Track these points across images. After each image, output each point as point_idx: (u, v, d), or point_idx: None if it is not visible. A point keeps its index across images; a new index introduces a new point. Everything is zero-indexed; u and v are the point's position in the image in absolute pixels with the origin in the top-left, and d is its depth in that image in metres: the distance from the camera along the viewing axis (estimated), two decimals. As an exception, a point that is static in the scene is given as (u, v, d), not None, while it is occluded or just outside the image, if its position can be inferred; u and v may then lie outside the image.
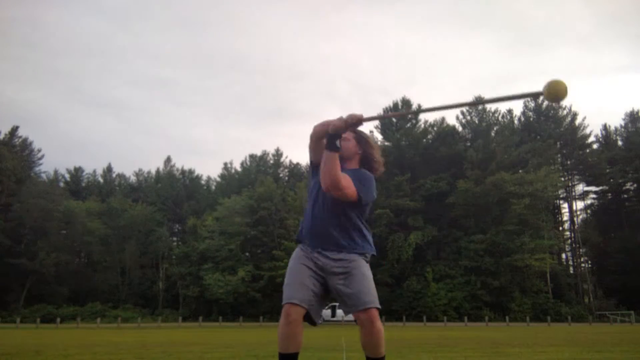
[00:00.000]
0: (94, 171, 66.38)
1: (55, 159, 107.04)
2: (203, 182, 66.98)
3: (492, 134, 49.72)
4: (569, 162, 53.08)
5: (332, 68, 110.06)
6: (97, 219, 50.57)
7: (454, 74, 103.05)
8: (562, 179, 50.65)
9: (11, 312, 42.60)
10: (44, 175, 57.78)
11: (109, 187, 63.80)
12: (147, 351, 7.47)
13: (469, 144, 49.77)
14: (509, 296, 41.16)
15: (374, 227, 44.08)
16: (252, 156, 64.30)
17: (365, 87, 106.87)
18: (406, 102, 52.36)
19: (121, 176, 67.18)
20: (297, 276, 2.47)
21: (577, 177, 53.29)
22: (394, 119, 52.42)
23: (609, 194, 53.43)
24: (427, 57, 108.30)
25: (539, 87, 1.94)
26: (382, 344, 2.39)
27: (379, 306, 2.41)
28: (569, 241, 52.82)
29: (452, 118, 61.46)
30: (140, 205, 54.05)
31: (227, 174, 64.72)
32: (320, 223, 2.50)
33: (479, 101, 2.50)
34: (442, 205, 46.06)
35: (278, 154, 63.69)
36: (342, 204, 2.46)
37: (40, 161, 58.49)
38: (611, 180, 50.92)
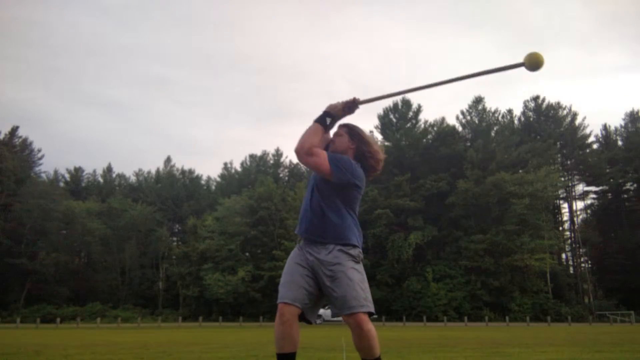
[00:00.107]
0: (94, 171, 66.54)
1: (55, 159, 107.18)
2: (203, 182, 67.04)
3: (492, 134, 49.74)
4: (569, 162, 53.09)
5: (332, 68, 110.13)
6: (97, 219, 50.58)
7: (454, 74, 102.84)
8: (562, 179, 50.65)
9: (11, 312, 42.60)
10: (44, 175, 57.87)
11: (109, 187, 63.81)
12: (147, 351, 7.47)
13: (469, 144, 49.77)
14: (509, 296, 41.17)
15: (374, 227, 44.11)
16: (252, 156, 64.35)
17: (365, 87, 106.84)
18: (406, 102, 52.39)
19: (121, 176, 67.24)
20: (291, 275, 2.47)
21: (577, 177, 53.31)
22: (394, 119, 52.45)
23: (609, 194, 53.44)
24: (427, 57, 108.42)
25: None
26: (374, 345, 2.36)
27: (367, 310, 2.34)
28: (569, 241, 52.83)
29: (452, 118, 61.55)
30: (140, 205, 54.05)
31: (227, 174, 64.75)
32: (310, 210, 2.52)
33: (463, 77, 2.61)
34: (442, 205, 46.06)
35: (278, 154, 63.73)
36: (328, 191, 2.48)
37: (40, 161, 58.60)
38: (611, 180, 50.93)
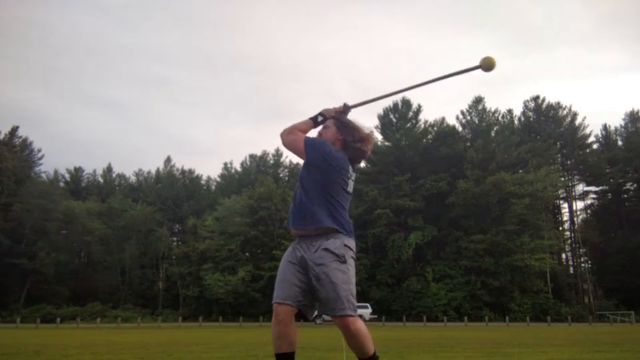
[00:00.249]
0: (94, 171, 66.56)
1: (55, 159, 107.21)
2: (203, 182, 67.05)
3: (492, 134, 49.74)
4: (569, 162, 53.09)
5: (332, 68, 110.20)
6: (97, 219, 50.60)
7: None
8: (562, 179, 50.66)
9: (11, 312, 42.61)
10: (44, 175, 57.89)
11: (109, 187, 63.81)
12: (147, 351, 7.47)
13: (469, 144, 49.78)
14: (509, 296, 41.17)
15: (374, 227, 44.12)
16: (252, 156, 64.40)
17: (365, 87, 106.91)
18: (406, 102, 52.40)
19: (121, 176, 67.25)
20: (283, 274, 2.47)
21: (577, 177, 53.31)
22: (393, 119, 52.44)
23: (609, 194, 53.45)
24: (427, 57, 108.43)
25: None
26: (365, 344, 2.34)
27: (348, 313, 2.30)
28: (569, 241, 52.83)
29: (452, 118, 61.59)
30: (140, 205, 54.05)
31: (227, 174, 64.78)
32: (297, 198, 2.54)
33: (428, 81, 2.76)
34: (442, 205, 46.06)
35: (278, 154, 63.74)
36: (307, 179, 2.49)
37: (40, 161, 58.59)
38: (611, 180, 50.93)
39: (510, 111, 54.20)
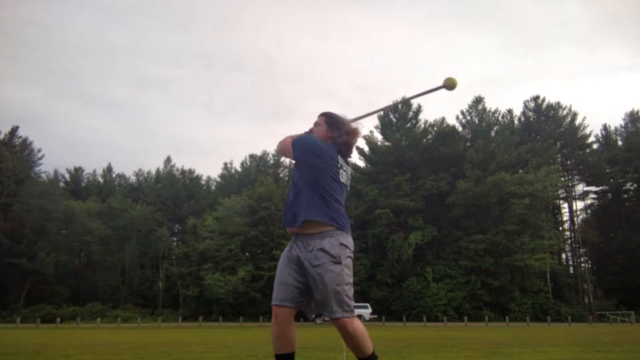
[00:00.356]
0: (94, 171, 66.58)
1: (55, 159, 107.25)
2: (203, 182, 67.05)
3: (492, 134, 49.74)
4: (569, 162, 53.09)
5: (332, 68, 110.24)
6: (97, 219, 50.61)
7: (453, 73, 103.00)
8: (562, 179, 50.66)
9: (11, 312, 42.61)
10: (44, 175, 57.90)
11: (109, 187, 63.82)
12: (147, 351, 7.47)
13: (469, 144, 49.77)
14: (509, 296, 41.17)
15: (374, 227, 44.11)
16: (252, 156, 64.42)
17: (365, 87, 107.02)
18: (406, 102, 52.34)
19: (121, 176, 67.28)
20: (280, 276, 2.48)
21: (577, 177, 53.32)
22: (393, 119, 52.42)
23: (609, 194, 53.45)
24: (427, 57, 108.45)
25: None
26: (363, 344, 2.34)
27: (344, 315, 2.30)
28: (569, 241, 52.84)
29: (452, 118, 61.60)
30: (140, 205, 54.06)
31: (227, 174, 64.79)
32: (289, 197, 2.56)
33: (397, 103, 2.86)
34: (442, 205, 46.06)
35: (278, 154, 63.69)
36: (298, 177, 2.53)
37: (40, 161, 58.59)
38: (611, 180, 50.93)
39: (510, 111, 54.27)
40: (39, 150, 58.60)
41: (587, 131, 53.01)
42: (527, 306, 40.60)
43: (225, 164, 65.78)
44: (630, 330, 18.31)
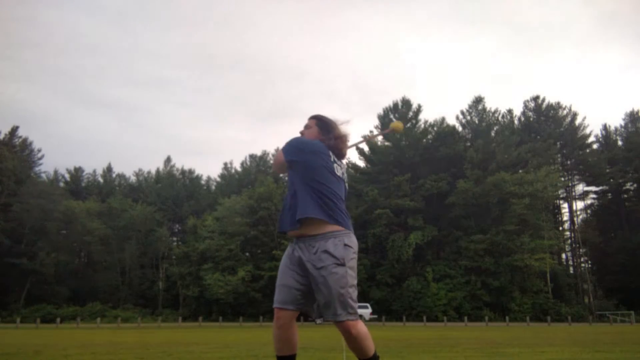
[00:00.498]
0: (94, 171, 66.60)
1: (55, 159, 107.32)
2: (203, 182, 67.05)
3: (492, 134, 49.73)
4: (569, 162, 53.10)
5: (332, 68, 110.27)
6: (97, 219, 50.60)
7: (453, 74, 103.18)
8: (562, 179, 50.66)
9: (11, 312, 42.62)
10: (44, 175, 57.93)
11: (109, 187, 63.83)
12: (147, 351, 7.47)
13: (469, 144, 49.77)
14: (509, 296, 41.17)
15: (374, 227, 44.11)
16: (252, 156, 64.42)
17: (365, 87, 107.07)
18: (406, 102, 52.38)
19: (121, 176, 67.28)
20: (282, 278, 2.46)
21: (577, 177, 53.32)
22: (394, 119, 52.38)
23: (609, 194, 53.45)
24: (427, 57, 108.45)
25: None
26: (366, 346, 2.33)
27: (348, 318, 2.27)
28: (569, 241, 52.83)
29: (452, 118, 61.60)
30: (140, 205, 54.06)
31: (227, 174, 64.79)
32: (286, 201, 2.54)
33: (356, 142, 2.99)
34: (442, 205, 46.06)
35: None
36: (294, 178, 2.51)
37: (40, 161, 58.64)
38: (611, 180, 50.94)
39: (510, 111, 54.24)
40: (39, 150, 58.72)
41: (587, 131, 53.09)
42: (527, 306, 40.59)
43: (225, 164, 65.87)
44: (630, 330, 18.31)
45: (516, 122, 54.54)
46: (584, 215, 55.64)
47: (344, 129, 2.67)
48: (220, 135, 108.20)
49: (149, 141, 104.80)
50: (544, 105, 54.51)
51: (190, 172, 66.19)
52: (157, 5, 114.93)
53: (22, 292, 45.40)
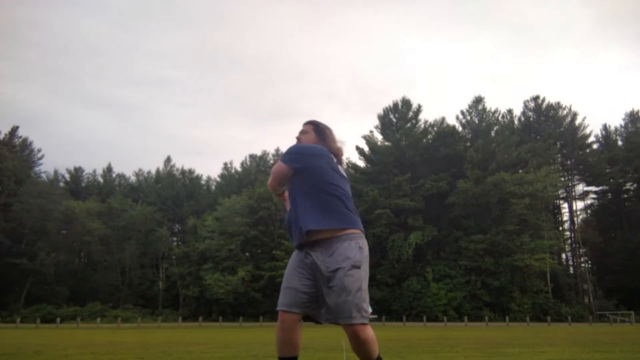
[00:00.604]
0: (94, 171, 66.61)
1: (55, 159, 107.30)
2: (203, 182, 67.06)
3: (492, 134, 49.71)
4: (569, 162, 53.08)
5: (332, 68, 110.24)
6: (97, 219, 50.59)
7: (453, 74, 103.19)
8: (562, 179, 50.65)
9: (11, 312, 42.61)
10: (44, 175, 57.92)
11: (109, 187, 63.82)
12: (147, 351, 7.47)
13: (469, 144, 49.76)
14: (509, 296, 41.16)
15: (374, 227, 44.07)
16: (252, 156, 64.43)
17: (365, 87, 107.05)
18: (406, 102, 52.36)
19: (121, 176, 67.27)
20: (288, 281, 2.44)
21: (577, 177, 53.30)
22: (394, 119, 52.41)
23: (609, 194, 53.44)
24: (427, 57, 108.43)
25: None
26: (372, 350, 2.31)
27: (361, 321, 2.25)
28: (569, 241, 52.82)
29: (452, 118, 61.59)
30: (140, 205, 54.06)
31: (227, 174, 64.79)
32: (292, 212, 2.49)
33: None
34: (442, 205, 46.05)
35: (278, 154, 63.67)
36: (301, 184, 2.45)
37: (40, 161, 58.64)
38: (611, 180, 50.92)
39: (510, 111, 54.22)
40: (39, 150, 58.72)
41: (587, 131, 53.06)
42: (527, 306, 40.58)
43: (225, 164, 65.88)
44: (630, 330, 18.31)
45: (516, 122, 54.53)
46: (584, 215, 55.67)
47: (339, 143, 2.68)
48: (220, 135, 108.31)
49: (149, 141, 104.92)
50: (544, 105, 54.50)
51: (190, 172, 66.22)
52: (157, 5, 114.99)
53: (22, 292, 45.39)
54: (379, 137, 52.33)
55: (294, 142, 2.61)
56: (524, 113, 55.30)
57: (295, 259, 2.49)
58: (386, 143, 50.90)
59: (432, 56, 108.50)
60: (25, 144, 57.70)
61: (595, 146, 54.14)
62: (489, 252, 42.17)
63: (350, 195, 2.52)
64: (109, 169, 66.76)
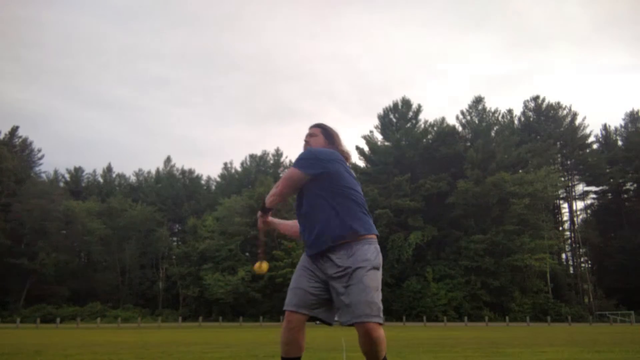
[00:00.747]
0: (94, 171, 66.58)
1: (55, 159, 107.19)
2: (203, 182, 67.07)
3: (492, 134, 49.74)
4: (569, 162, 53.11)
5: (332, 68, 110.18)
6: (97, 219, 50.59)
7: (453, 74, 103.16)
8: (562, 179, 50.68)
9: (11, 312, 42.61)
10: (44, 175, 57.92)
11: (109, 187, 63.82)
12: (147, 351, 7.47)
13: (469, 144, 49.78)
14: (509, 296, 41.17)
15: (374, 227, 44.03)
16: (252, 156, 64.41)
17: (365, 87, 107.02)
18: (406, 102, 52.37)
19: (121, 176, 67.28)
20: (297, 281, 2.43)
21: (577, 177, 53.33)
22: (394, 119, 52.42)
23: (609, 194, 53.46)
24: (427, 57, 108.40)
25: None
26: (381, 350, 2.29)
27: (378, 321, 2.23)
28: (569, 241, 52.84)
29: (452, 118, 61.64)
30: (140, 205, 54.06)
31: (227, 174, 64.78)
32: (309, 220, 2.44)
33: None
34: (442, 205, 46.05)
35: (278, 154, 63.80)
36: (318, 190, 2.40)
37: (40, 161, 58.66)
38: (611, 180, 50.95)
39: (510, 111, 54.28)
40: (39, 150, 58.73)
41: (587, 131, 53.11)
42: (527, 306, 40.60)
43: (225, 164, 65.86)
44: (630, 330, 18.31)
45: (516, 122, 54.57)
46: (584, 215, 55.67)
47: (346, 149, 2.66)
48: (220, 135, 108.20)
49: (149, 141, 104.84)
50: (544, 105, 54.52)
51: (190, 172, 66.22)
52: (157, 5, 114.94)
53: (22, 292, 45.38)
54: (379, 137, 52.39)
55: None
56: (524, 113, 55.35)
57: (306, 261, 2.48)
58: (386, 143, 50.91)
59: (432, 56, 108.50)
60: (25, 144, 57.72)
61: (595, 146, 54.19)
62: (489, 252, 42.18)
63: (362, 195, 2.50)
64: (109, 169, 66.81)
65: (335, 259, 2.34)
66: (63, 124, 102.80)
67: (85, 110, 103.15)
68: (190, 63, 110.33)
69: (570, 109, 53.75)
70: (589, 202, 55.25)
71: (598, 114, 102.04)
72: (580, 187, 54.11)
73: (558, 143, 51.63)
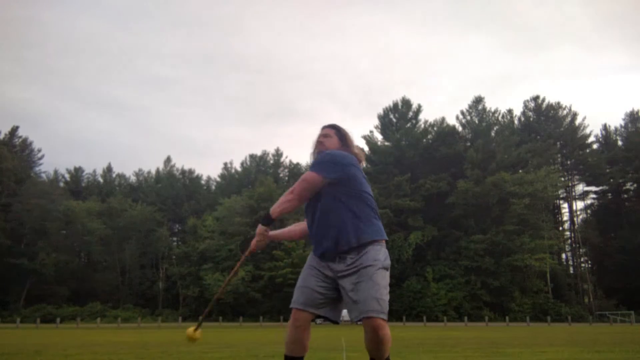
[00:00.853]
0: (94, 171, 66.56)
1: (55, 159, 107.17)
2: (203, 182, 67.07)
3: (492, 134, 49.74)
4: (569, 162, 53.11)
5: (332, 68, 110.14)
6: (97, 219, 50.59)
7: (453, 74, 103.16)
8: (562, 179, 50.68)
9: (11, 312, 42.62)
10: (44, 175, 57.91)
11: (109, 187, 63.83)
12: (147, 351, 7.47)
13: (469, 144, 49.78)
14: (509, 296, 41.17)
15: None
16: (252, 156, 64.39)
17: (365, 87, 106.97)
18: (406, 102, 52.37)
19: (121, 176, 67.27)
20: (304, 279, 2.44)
21: (577, 177, 53.33)
22: (394, 119, 52.41)
23: (609, 194, 53.46)
24: (427, 57, 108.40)
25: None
26: (386, 348, 2.31)
27: (383, 317, 2.25)
28: (569, 241, 52.84)
29: (452, 118, 61.62)
30: (140, 205, 54.06)
31: (227, 174, 64.78)
32: (323, 223, 2.43)
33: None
34: (442, 205, 46.06)
35: (278, 154, 63.75)
36: (335, 194, 2.39)
37: (40, 161, 58.67)
38: (611, 180, 50.95)
39: (510, 111, 54.28)
40: (39, 150, 58.74)
41: (587, 131, 53.11)
42: (527, 306, 40.59)
43: (225, 164, 65.85)
44: (630, 330, 18.31)
45: (516, 122, 54.57)
46: (584, 215, 55.67)
47: (358, 148, 2.64)
48: (220, 135, 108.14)
49: (149, 141, 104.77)
50: (544, 105, 54.52)
51: (190, 172, 66.21)
52: (157, 5, 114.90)
53: (22, 292, 45.39)
54: (379, 137, 52.40)
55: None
56: (524, 113, 55.35)
57: (314, 260, 2.48)
58: (386, 143, 50.90)
59: (432, 56, 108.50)
60: (25, 144, 57.73)
61: (595, 146, 54.19)
62: (489, 252, 42.18)
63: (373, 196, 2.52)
64: (109, 169, 66.80)
65: (347, 258, 2.37)
66: (63, 124, 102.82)
67: (85, 110, 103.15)
68: (190, 63, 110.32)
69: (570, 109, 53.81)
70: (589, 202, 55.35)
71: (598, 114, 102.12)
72: (580, 187, 54.20)
73: (558, 143, 51.63)
